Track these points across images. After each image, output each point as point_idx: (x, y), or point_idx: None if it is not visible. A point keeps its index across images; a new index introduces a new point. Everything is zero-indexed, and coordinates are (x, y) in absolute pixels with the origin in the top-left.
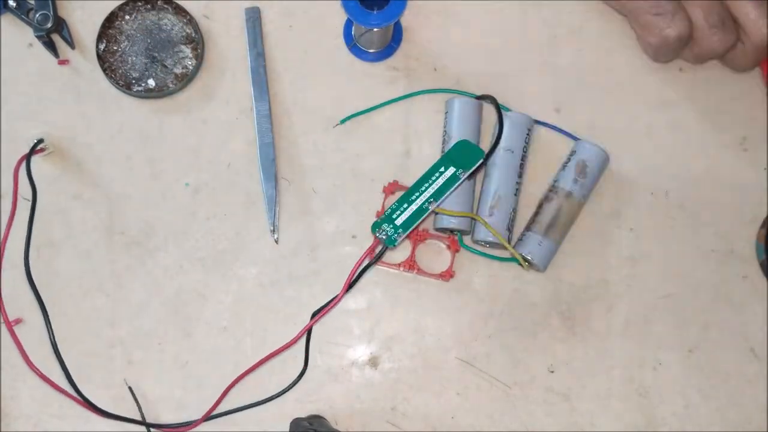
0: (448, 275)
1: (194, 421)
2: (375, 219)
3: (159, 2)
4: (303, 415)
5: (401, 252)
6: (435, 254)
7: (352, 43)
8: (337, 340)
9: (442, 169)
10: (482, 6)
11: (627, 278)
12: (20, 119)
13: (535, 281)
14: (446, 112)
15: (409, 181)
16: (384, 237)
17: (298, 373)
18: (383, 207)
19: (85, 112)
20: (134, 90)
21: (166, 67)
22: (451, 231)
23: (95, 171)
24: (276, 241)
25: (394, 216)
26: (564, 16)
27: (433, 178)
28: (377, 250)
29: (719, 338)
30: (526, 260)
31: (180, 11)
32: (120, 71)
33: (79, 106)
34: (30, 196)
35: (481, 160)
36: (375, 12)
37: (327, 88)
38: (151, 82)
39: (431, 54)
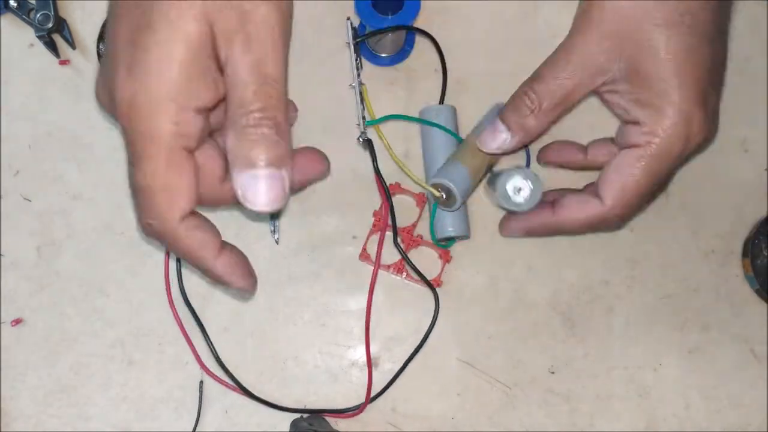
0: (436, 284)
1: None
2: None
3: None
4: (303, 415)
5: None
6: (426, 261)
7: (360, 40)
8: (337, 340)
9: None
10: (483, 6)
11: (627, 279)
12: (20, 119)
13: (535, 282)
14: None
15: (409, 182)
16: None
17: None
18: (380, 208)
19: (85, 112)
20: None
21: None
22: (453, 239)
23: (95, 171)
24: (276, 242)
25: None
26: (564, 16)
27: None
28: None
29: (719, 339)
30: (438, 187)
31: None
32: None
33: (80, 106)
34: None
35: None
36: (390, 16)
37: (327, 88)
38: None
39: (431, 54)
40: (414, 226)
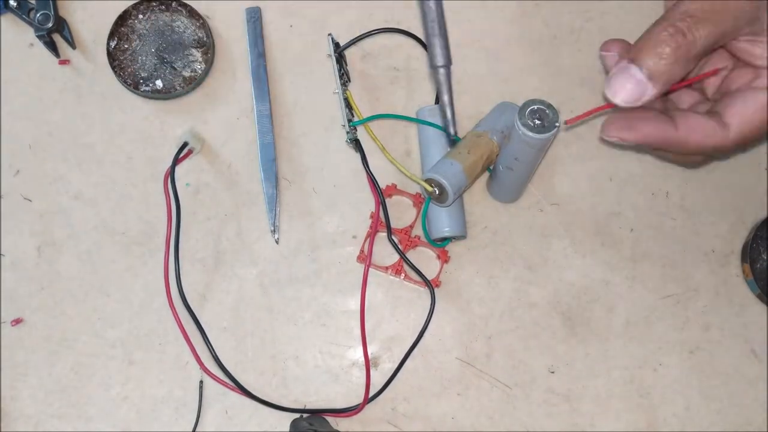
0: (434, 284)
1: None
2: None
3: (173, 3)
4: (303, 415)
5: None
6: (424, 261)
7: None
8: (337, 340)
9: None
10: (483, 6)
11: (627, 279)
12: (20, 119)
13: (535, 282)
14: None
15: (409, 182)
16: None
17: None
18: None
19: (85, 112)
20: (141, 90)
21: (175, 69)
22: (448, 238)
23: (95, 171)
24: (276, 241)
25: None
26: (564, 16)
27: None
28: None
29: (719, 339)
30: (430, 182)
31: (194, 14)
32: (129, 70)
33: (80, 106)
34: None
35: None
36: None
37: (327, 88)
38: (159, 83)
39: None
40: (411, 227)
